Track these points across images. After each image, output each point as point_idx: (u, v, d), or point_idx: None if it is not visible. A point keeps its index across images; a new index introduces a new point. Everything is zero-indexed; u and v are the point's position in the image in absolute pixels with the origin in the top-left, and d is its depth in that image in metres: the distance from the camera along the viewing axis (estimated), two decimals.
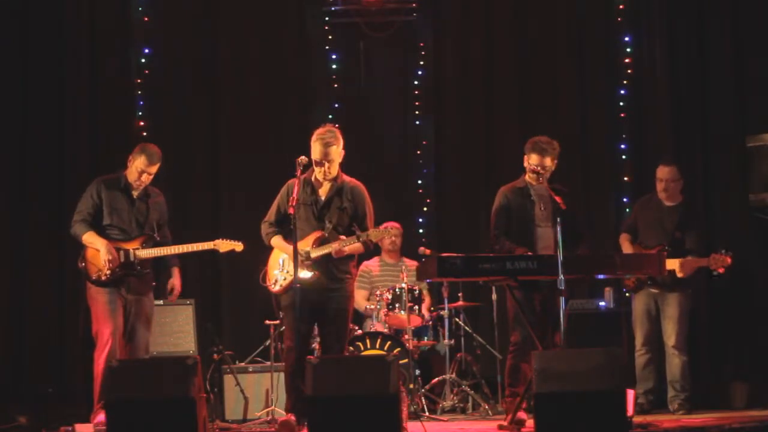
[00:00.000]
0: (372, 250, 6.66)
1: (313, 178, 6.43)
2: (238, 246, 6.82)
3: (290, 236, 6.30)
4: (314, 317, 6.39)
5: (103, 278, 6.60)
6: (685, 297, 7.51)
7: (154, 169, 6.77)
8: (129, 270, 6.65)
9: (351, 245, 6.35)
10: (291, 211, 6.10)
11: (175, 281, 6.88)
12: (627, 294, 7.84)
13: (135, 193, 6.78)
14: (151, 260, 6.75)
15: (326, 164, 6.38)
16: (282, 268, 6.45)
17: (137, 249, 6.68)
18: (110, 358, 6.37)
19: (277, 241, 6.51)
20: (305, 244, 6.28)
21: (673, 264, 7.14)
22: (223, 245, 6.82)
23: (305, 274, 6.20)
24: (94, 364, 6.57)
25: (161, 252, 6.74)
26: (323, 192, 6.46)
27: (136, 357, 6.62)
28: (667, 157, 7.96)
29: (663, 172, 7.63)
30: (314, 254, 6.28)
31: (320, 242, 6.34)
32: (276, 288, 6.45)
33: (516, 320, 6.60)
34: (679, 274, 7.28)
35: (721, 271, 7.33)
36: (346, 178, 6.54)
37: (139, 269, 6.67)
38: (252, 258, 6.87)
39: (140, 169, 6.72)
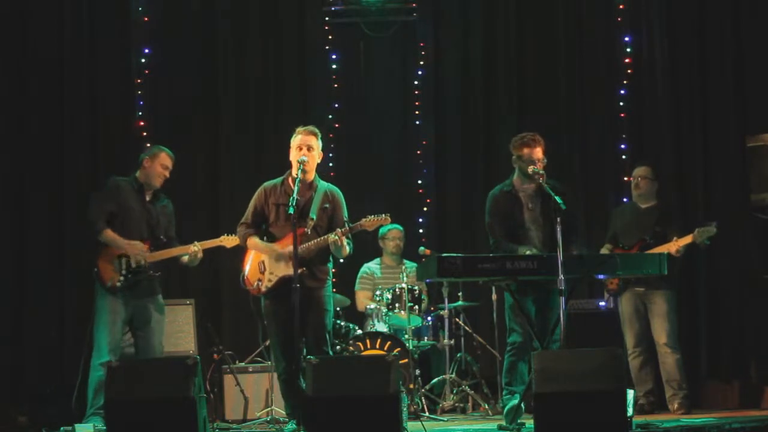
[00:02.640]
0: (351, 254, 6.59)
1: (291, 181, 6.40)
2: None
3: (268, 238, 6.46)
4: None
5: (118, 284, 6.64)
6: (672, 294, 7.53)
7: (172, 165, 6.97)
8: (141, 275, 6.70)
9: (345, 246, 6.34)
10: (290, 211, 6.11)
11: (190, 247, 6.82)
12: (608, 297, 7.82)
13: (147, 197, 6.86)
14: (161, 263, 6.81)
15: (306, 154, 6.36)
16: (265, 270, 6.43)
17: (147, 252, 6.71)
18: (105, 367, 6.28)
19: (253, 242, 6.51)
20: (287, 244, 6.26)
21: (664, 249, 7.17)
22: (229, 241, 6.87)
23: (291, 270, 6.17)
24: (90, 369, 6.61)
25: (170, 253, 6.80)
26: (302, 193, 6.43)
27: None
28: (643, 158, 8.06)
29: (638, 171, 7.75)
30: (309, 244, 6.27)
31: (302, 240, 6.28)
32: (263, 289, 6.42)
33: (513, 321, 6.61)
34: (675, 255, 7.24)
35: (707, 242, 7.34)
36: (322, 182, 6.58)
37: (152, 273, 6.73)
38: None
39: (165, 165, 6.90)
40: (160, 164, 6.90)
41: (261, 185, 6.63)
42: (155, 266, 6.81)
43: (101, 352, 6.57)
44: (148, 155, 6.95)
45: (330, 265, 6.52)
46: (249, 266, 6.53)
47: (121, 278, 6.65)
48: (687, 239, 7.34)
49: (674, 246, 7.25)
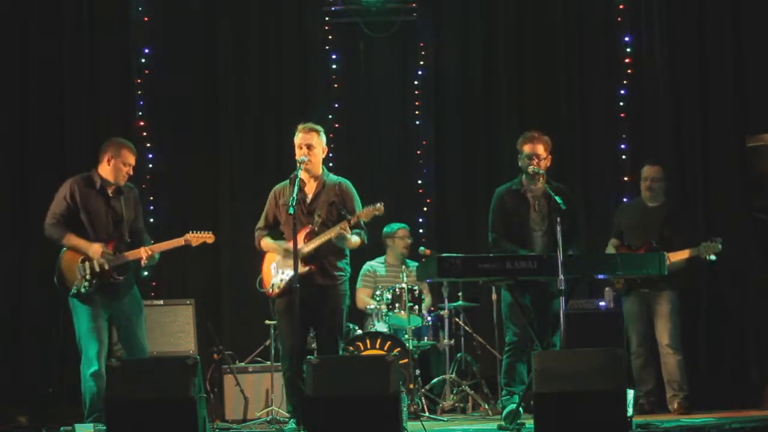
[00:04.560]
0: (367, 243, 6.61)
1: (298, 179, 6.39)
2: (210, 238, 6.68)
3: (281, 237, 6.43)
4: (309, 319, 6.35)
5: (83, 290, 6.40)
6: (675, 295, 7.52)
7: (134, 160, 6.67)
8: (106, 279, 6.43)
9: (351, 237, 6.35)
10: (290, 211, 6.11)
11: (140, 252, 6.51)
12: (613, 294, 7.82)
13: (110, 192, 6.56)
14: (129, 263, 6.53)
15: (307, 153, 6.36)
16: (276, 271, 6.45)
17: (110, 256, 6.43)
18: (96, 377, 6.27)
19: (266, 242, 6.53)
20: (298, 242, 6.24)
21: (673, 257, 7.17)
22: (195, 239, 6.64)
23: (301, 268, 6.17)
24: (81, 378, 6.39)
25: (135, 255, 6.50)
26: (309, 190, 6.47)
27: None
28: (652, 158, 8.00)
29: (649, 171, 7.69)
30: (307, 248, 6.28)
31: (311, 236, 6.33)
32: (275, 291, 6.44)
33: (509, 320, 6.61)
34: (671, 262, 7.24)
35: (712, 257, 7.31)
36: (332, 175, 6.58)
37: (116, 276, 6.44)
38: (253, 258, 6.88)
39: (127, 163, 6.57)
40: (122, 162, 6.54)
41: (269, 186, 6.63)
42: (121, 270, 6.49)
43: (90, 363, 6.33)
44: (108, 152, 6.55)
45: (346, 262, 6.50)
46: (265, 269, 6.55)
47: (86, 284, 6.39)
48: (682, 254, 7.30)
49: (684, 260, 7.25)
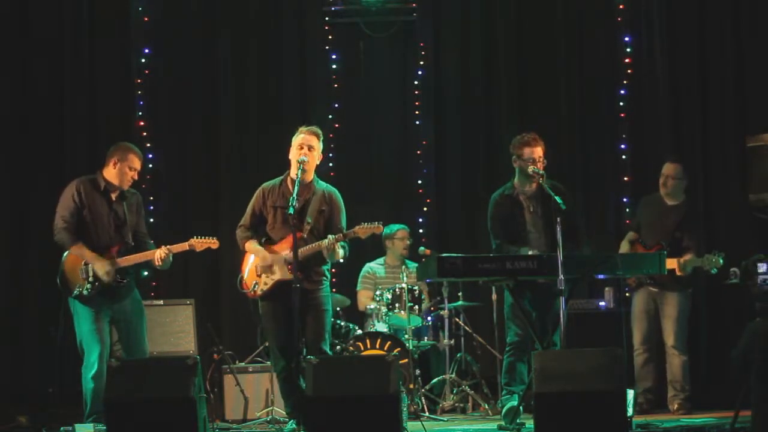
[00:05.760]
0: (346, 257, 6.55)
1: (289, 182, 6.37)
2: (214, 243, 6.66)
3: (266, 241, 6.42)
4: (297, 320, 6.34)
5: (85, 292, 6.41)
6: (684, 296, 7.52)
7: (140, 165, 6.68)
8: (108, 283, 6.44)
9: (339, 251, 6.32)
10: (290, 211, 6.09)
11: (158, 252, 6.51)
12: (627, 294, 7.84)
13: (113, 196, 6.57)
14: (131, 267, 6.54)
15: (306, 154, 6.31)
16: (262, 273, 6.40)
17: (114, 258, 6.44)
18: (97, 379, 6.27)
19: (251, 245, 6.46)
20: (284, 247, 6.26)
21: (671, 263, 7.15)
22: (199, 244, 6.62)
23: (288, 274, 6.17)
24: (81, 379, 6.40)
25: (139, 258, 6.52)
26: (301, 194, 6.37)
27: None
28: (674, 155, 7.96)
29: (667, 168, 7.66)
30: (303, 249, 6.24)
31: (300, 244, 6.23)
32: (257, 292, 6.41)
33: (511, 321, 6.61)
34: (679, 273, 7.28)
35: (714, 270, 7.34)
36: (321, 182, 6.54)
37: (119, 279, 6.46)
38: None
39: (133, 167, 6.58)
40: (128, 166, 6.56)
41: (260, 186, 6.59)
42: (123, 273, 6.49)
43: (92, 365, 6.34)
44: (115, 156, 6.56)
45: (327, 266, 6.49)
46: (247, 269, 6.51)
47: (88, 285, 6.41)
48: (671, 263, 7.28)
49: (675, 265, 7.24)
